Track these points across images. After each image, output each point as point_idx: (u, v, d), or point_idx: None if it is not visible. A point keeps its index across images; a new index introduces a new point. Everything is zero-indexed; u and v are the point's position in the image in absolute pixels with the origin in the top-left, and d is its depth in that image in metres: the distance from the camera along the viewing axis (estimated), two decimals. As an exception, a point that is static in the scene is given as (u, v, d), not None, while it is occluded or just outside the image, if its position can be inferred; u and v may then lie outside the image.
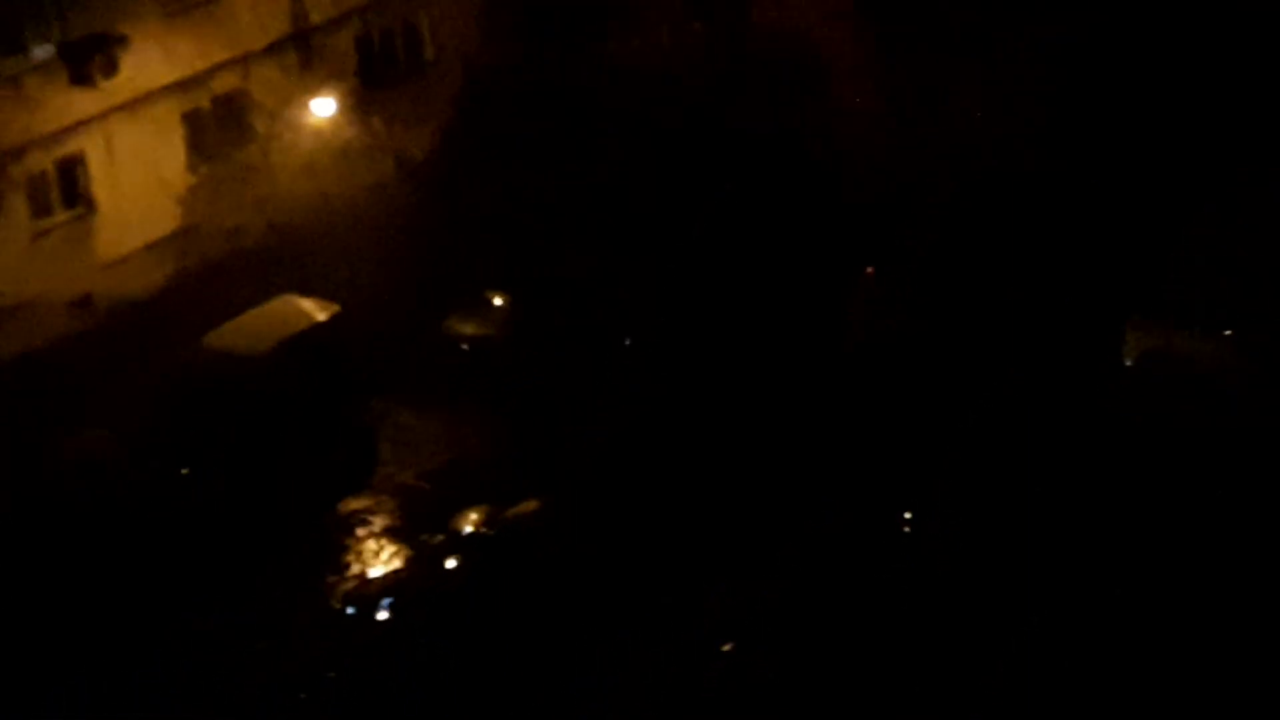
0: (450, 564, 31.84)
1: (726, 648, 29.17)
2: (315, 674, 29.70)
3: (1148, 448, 32.11)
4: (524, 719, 28.70)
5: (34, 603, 31.08)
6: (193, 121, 40.02)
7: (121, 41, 37.98)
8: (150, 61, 38.76)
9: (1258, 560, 29.89)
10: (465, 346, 37.90)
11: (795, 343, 36.05)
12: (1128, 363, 34.37)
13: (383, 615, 30.96)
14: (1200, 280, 34.65)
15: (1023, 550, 30.29)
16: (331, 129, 41.27)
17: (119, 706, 29.07)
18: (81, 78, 37.67)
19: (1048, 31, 43.41)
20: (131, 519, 32.69)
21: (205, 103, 40.19)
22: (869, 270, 37.86)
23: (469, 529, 32.43)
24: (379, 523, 33.44)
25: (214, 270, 39.75)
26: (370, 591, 31.50)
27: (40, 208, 37.82)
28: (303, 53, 41.83)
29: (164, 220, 39.61)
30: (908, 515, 31.55)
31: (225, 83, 40.44)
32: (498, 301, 38.54)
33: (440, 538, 32.50)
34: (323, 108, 41.31)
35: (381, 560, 32.58)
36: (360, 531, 33.24)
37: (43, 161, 37.69)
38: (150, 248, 39.38)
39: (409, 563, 32.36)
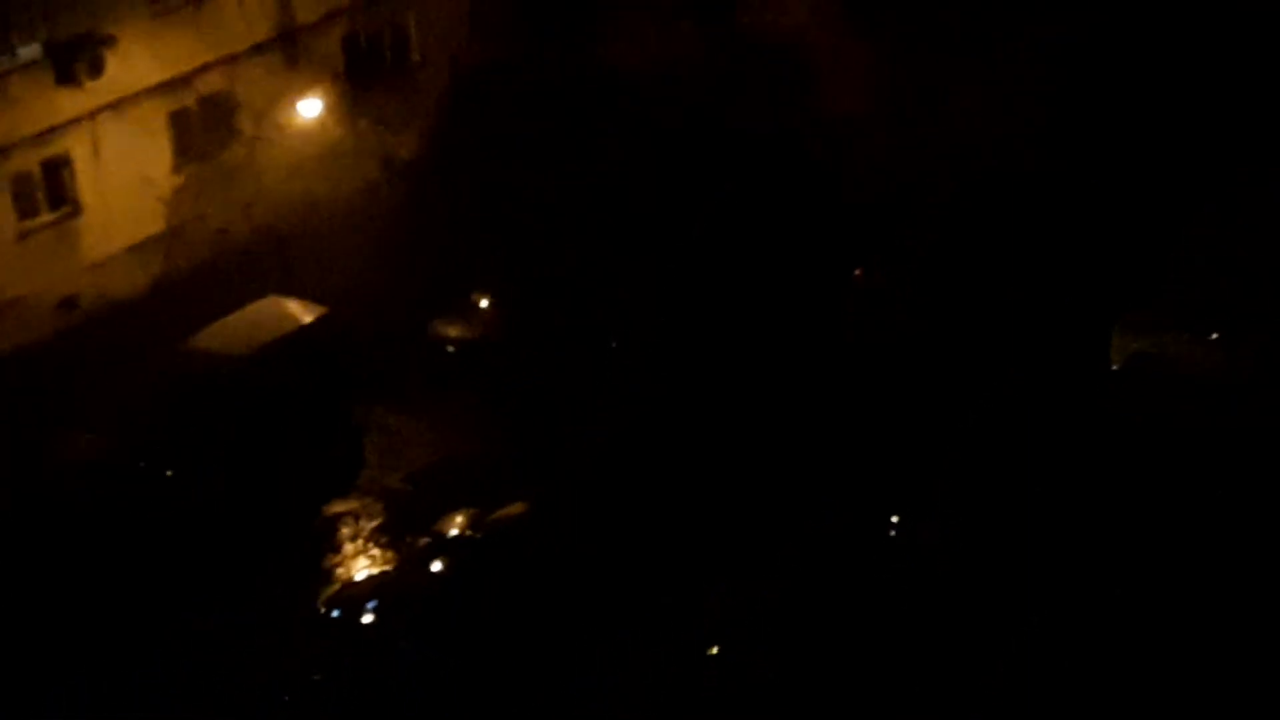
0: (436, 566, 31.74)
1: (714, 650, 29.06)
2: (301, 677, 29.62)
3: (1144, 448, 32.05)
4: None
5: (24, 604, 31.05)
6: (179, 122, 39.96)
7: (108, 42, 37.93)
8: (136, 62, 38.69)
9: (1255, 560, 29.83)
10: (451, 348, 37.88)
11: (794, 343, 35.98)
12: (1115, 366, 34.35)
13: (368, 618, 30.85)
14: (1190, 282, 34.65)
15: (1021, 550, 30.25)
16: (318, 130, 41.20)
17: (106, 706, 29.05)
18: (68, 78, 37.63)
19: (1048, 31, 43.40)
20: (116, 520, 32.61)
21: (191, 103, 40.13)
22: (858, 272, 37.86)
23: (455, 531, 32.39)
24: (365, 525, 33.43)
25: (200, 271, 39.73)
26: (356, 594, 31.42)
27: (26, 208, 37.77)
28: (289, 53, 41.77)
29: (150, 221, 39.56)
30: (902, 516, 31.45)
31: (211, 83, 40.37)
32: (484, 303, 38.55)
33: (426, 540, 32.45)
34: (309, 108, 41.25)
35: (367, 563, 32.56)
36: (346, 534, 33.24)
37: (28, 162, 37.65)
38: (136, 248, 39.33)
39: (394, 565, 32.33)
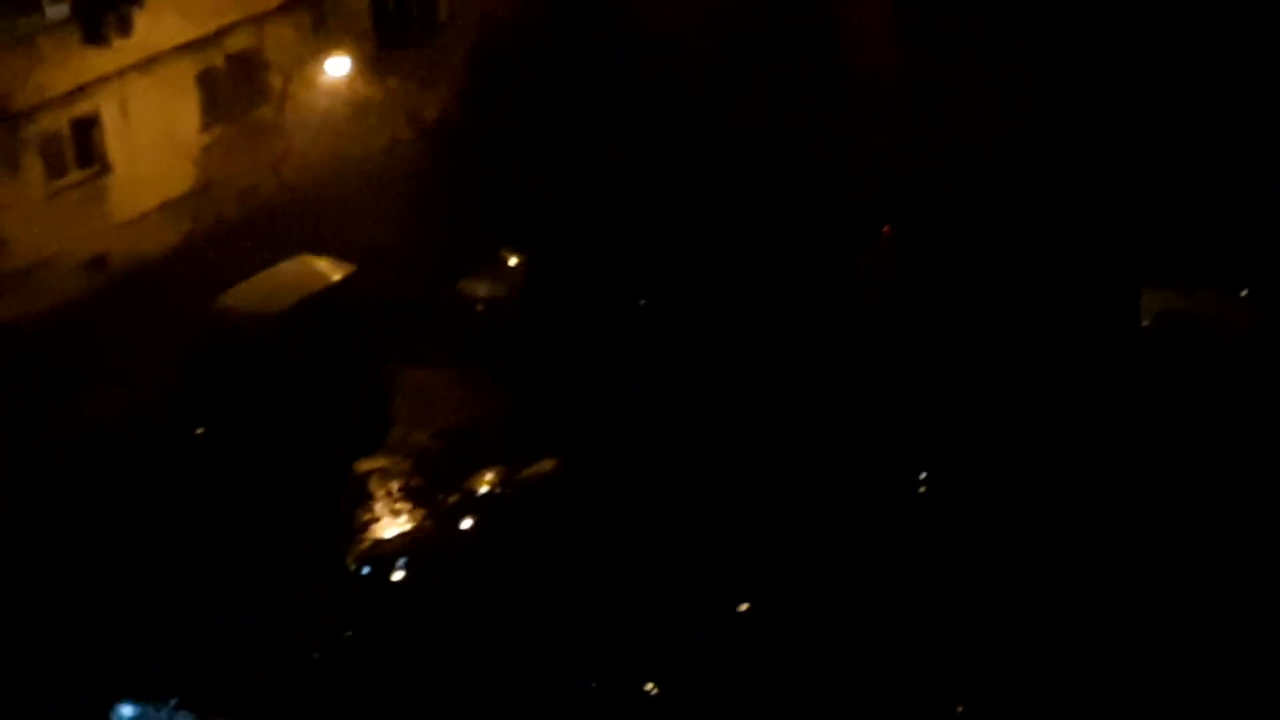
0: (465, 524, 31.78)
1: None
2: (330, 634, 29.63)
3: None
4: (540, 680, 28.60)
5: (51, 566, 31.10)
6: (207, 81, 39.97)
7: (135, 1, 37.86)
8: (164, 20, 38.66)
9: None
10: (480, 306, 37.86)
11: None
12: (1145, 324, 34.23)
13: (398, 576, 30.90)
14: (1213, 246, 34.70)
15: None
16: (346, 88, 41.23)
17: (136, 663, 29.14)
18: (96, 37, 37.60)
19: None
20: (147, 479, 32.72)
21: (219, 62, 40.12)
22: (886, 230, 37.81)
23: (484, 489, 32.42)
24: (394, 483, 33.42)
25: (229, 230, 39.81)
26: (385, 552, 31.44)
27: (55, 168, 37.78)
28: (317, 11, 41.72)
29: (179, 180, 39.59)
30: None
31: (239, 42, 40.37)
32: (512, 261, 38.48)
33: (455, 498, 32.47)
34: (337, 67, 41.23)
35: (396, 521, 32.55)
36: (375, 492, 33.23)
37: (58, 121, 37.66)
38: (165, 208, 39.36)
39: (424, 523, 32.31)
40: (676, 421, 33.89)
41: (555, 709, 28.05)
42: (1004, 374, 34.23)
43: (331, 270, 36.23)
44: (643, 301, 37.23)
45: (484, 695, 28.23)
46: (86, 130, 38.12)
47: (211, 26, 39.76)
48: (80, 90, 37.86)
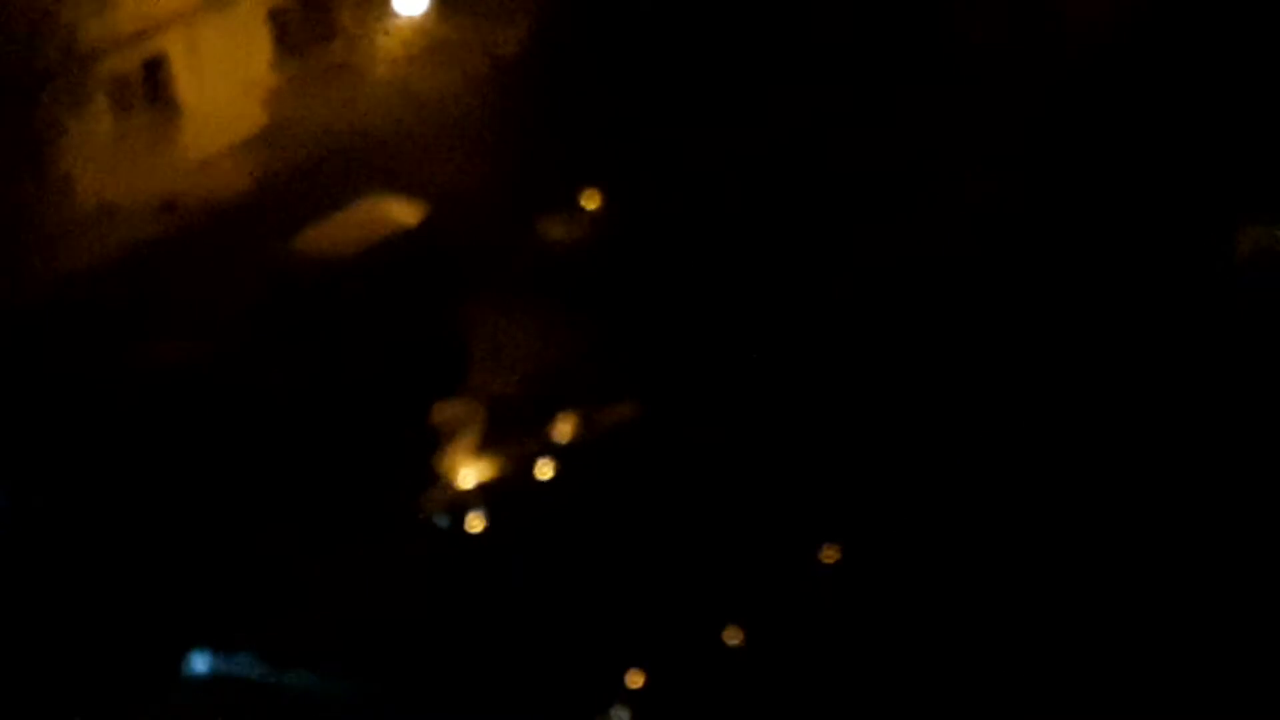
0: (545, 471, 31.50)
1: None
2: (406, 586, 29.48)
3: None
4: (620, 632, 28.31)
5: (129, 507, 31.11)
6: (278, 19, 40.13)
7: (206, -63, 37.92)
8: (235, -43, 38.73)
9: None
10: (557, 248, 37.49)
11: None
12: (1239, 260, 34.03)
13: (476, 525, 30.63)
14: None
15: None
16: (420, 25, 41.23)
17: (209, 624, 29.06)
18: (166, -26, 37.67)
19: None
20: (222, 424, 32.59)
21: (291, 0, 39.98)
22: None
23: (562, 435, 32.13)
24: (471, 430, 33.08)
25: (301, 171, 39.65)
26: (463, 501, 31.21)
27: (124, 109, 37.95)
28: (391, -54, 41.60)
29: (250, 121, 39.73)
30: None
31: (312, -22, 40.38)
32: (590, 203, 38.09)
33: (534, 444, 32.15)
34: (411, 3, 41.13)
35: (474, 467, 32.27)
36: (452, 439, 32.89)
37: (127, 62, 37.89)
38: (236, 149, 39.45)
39: (502, 471, 32.05)
40: (758, 363, 33.44)
41: (635, 662, 27.79)
42: (1095, 311, 33.66)
43: (406, 212, 36.25)
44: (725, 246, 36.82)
45: (561, 648, 28.06)
46: (156, 70, 38.23)
47: (283, -38, 39.78)
48: (150, 30, 37.93)
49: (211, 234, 37.50)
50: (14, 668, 28.55)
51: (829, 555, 29.16)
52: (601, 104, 39.94)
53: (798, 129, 38.79)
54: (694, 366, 33.62)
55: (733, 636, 28.08)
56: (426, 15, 41.34)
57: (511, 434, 32.74)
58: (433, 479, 32.00)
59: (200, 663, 28.39)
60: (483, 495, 31.34)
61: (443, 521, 30.87)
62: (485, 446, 32.76)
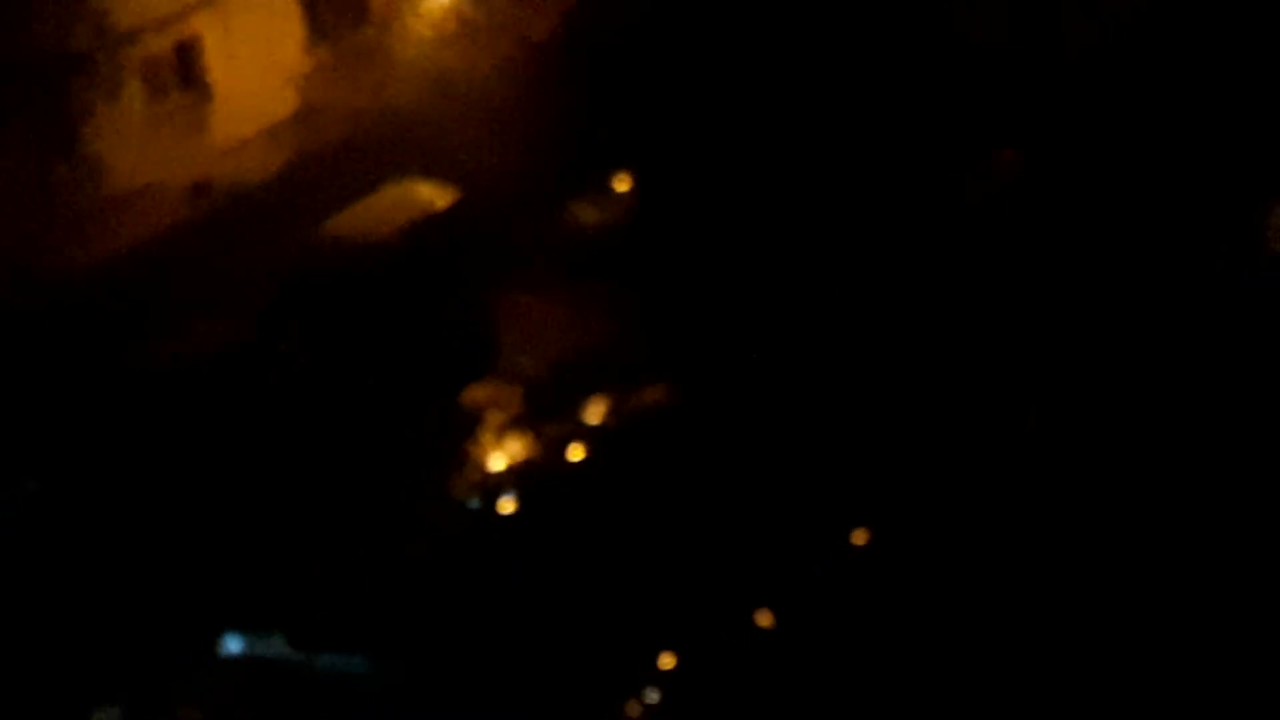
0: (576, 454, 31.42)
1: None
2: (437, 568, 29.41)
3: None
4: (652, 616, 28.19)
5: (160, 489, 31.18)
6: (310, 2, 40.03)
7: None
8: (267, -60, 38.70)
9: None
10: (589, 231, 37.47)
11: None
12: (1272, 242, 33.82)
13: (507, 507, 30.57)
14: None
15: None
16: (452, 8, 41.20)
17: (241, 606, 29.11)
18: (198, -43, 37.64)
19: None
20: (252, 407, 32.64)
21: (324, -19, 40.11)
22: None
23: (594, 418, 32.04)
24: (502, 412, 33.07)
25: (333, 154, 39.76)
26: (494, 483, 31.14)
27: (157, 92, 37.92)
28: (423, -72, 41.56)
29: (282, 103, 39.72)
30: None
31: (343, -39, 40.33)
32: (622, 186, 38.06)
33: (565, 427, 32.05)
34: (443, -15, 41.06)
35: (505, 450, 32.22)
36: (483, 421, 32.89)
37: (160, 45, 37.82)
38: (268, 132, 39.46)
39: (533, 453, 31.97)
40: (790, 347, 33.33)
41: (666, 644, 27.67)
42: (1128, 296, 33.55)
43: (437, 195, 36.07)
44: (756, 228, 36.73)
45: (593, 630, 27.95)
46: (189, 53, 38.20)
47: (315, -56, 39.75)
48: (182, 13, 37.97)
49: (243, 217, 37.60)
50: (43, 656, 28.55)
51: (859, 538, 29.10)
52: (633, 87, 39.91)
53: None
54: (725, 349, 33.55)
55: (764, 619, 28.02)
56: (458, -2, 41.41)
57: (543, 417, 32.66)
58: (463, 462, 31.97)
59: (234, 643, 28.37)
60: (514, 477, 31.25)
61: (474, 503, 30.79)
62: (517, 429, 32.73)
